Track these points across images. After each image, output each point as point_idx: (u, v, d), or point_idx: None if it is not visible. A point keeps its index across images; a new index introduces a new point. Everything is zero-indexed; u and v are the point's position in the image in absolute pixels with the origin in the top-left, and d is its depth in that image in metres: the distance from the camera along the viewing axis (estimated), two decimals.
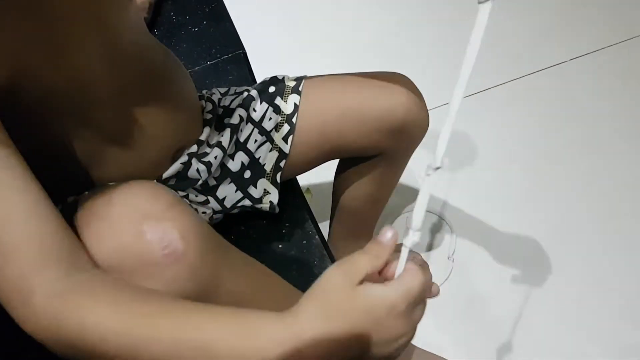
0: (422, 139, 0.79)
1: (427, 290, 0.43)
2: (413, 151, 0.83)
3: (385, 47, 1.50)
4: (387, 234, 0.42)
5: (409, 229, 0.41)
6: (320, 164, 0.78)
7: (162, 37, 0.98)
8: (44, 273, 0.40)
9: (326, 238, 0.93)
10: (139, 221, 0.44)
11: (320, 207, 1.00)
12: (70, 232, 0.44)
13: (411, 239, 0.41)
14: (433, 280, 0.45)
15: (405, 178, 0.93)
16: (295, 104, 0.71)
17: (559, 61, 1.47)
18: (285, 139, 0.71)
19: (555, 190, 1.25)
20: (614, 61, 1.46)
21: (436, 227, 1.21)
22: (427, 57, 1.47)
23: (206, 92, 0.73)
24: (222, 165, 0.69)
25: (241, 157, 0.70)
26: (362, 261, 0.41)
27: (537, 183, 1.26)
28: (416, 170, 1.24)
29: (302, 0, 1.61)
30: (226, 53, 0.96)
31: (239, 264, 0.55)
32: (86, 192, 0.52)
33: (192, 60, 0.95)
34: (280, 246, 0.75)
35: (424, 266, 0.42)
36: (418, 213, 0.40)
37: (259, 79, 0.94)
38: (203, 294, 0.47)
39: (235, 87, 0.76)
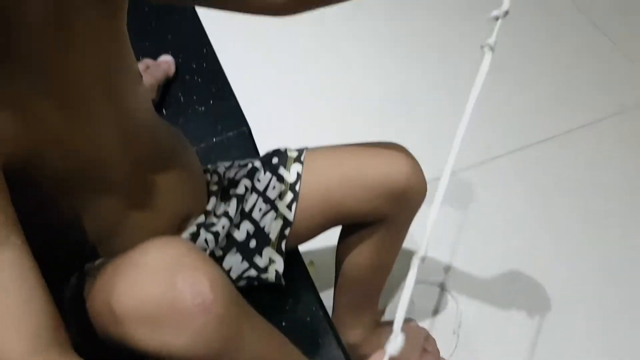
0: (421, 204, 0.81)
1: None
2: (413, 217, 0.85)
3: (383, 119, 1.55)
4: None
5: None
6: (324, 231, 0.79)
7: (170, 116, 1.02)
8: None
9: (330, 310, 0.93)
10: (173, 270, 0.45)
11: (323, 276, 1.00)
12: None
13: (393, 346, 0.40)
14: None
15: (408, 245, 0.94)
16: (297, 172, 0.74)
17: (559, 132, 1.51)
18: (289, 206, 0.73)
19: (560, 260, 1.25)
20: (614, 131, 1.50)
21: (440, 300, 1.20)
22: (424, 129, 1.51)
23: (211, 166, 0.76)
24: (228, 235, 0.70)
25: (246, 226, 0.72)
26: None
27: (541, 253, 1.27)
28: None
29: (302, 77, 1.67)
30: (231, 130, 1.00)
31: (260, 325, 0.55)
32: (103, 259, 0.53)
33: (199, 137, 0.98)
34: (283, 323, 0.75)
35: (432, 344, 0.41)
36: (399, 314, 0.40)
37: (262, 153, 0.97)
38: (226, 350, 0.48)
39: (239, 161, 0.79)
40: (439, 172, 0.45)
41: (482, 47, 0.36)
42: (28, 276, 0.42)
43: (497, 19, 0.37)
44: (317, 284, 0.83)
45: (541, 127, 1.51)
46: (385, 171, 0.73)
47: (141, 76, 0.57)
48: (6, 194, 0.42)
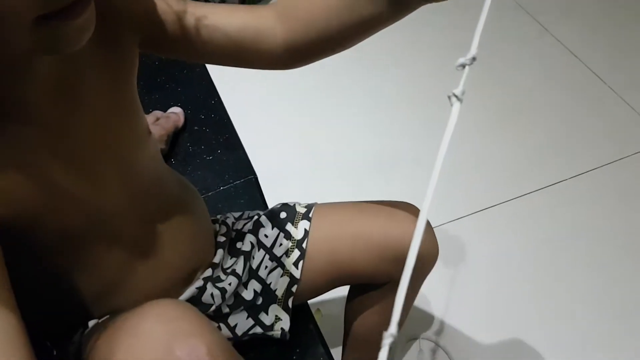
0: (432, 267, 0.79)
1: None
2: (424, 279, 0.82)
3: (391, 169, 1.56)
4: None
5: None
6: (331, 289, 0.78)
7: (178, 165, 1.04)
8: None
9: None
10: (169, 337, 0.45)
11: (330, 328, 0.99)
12: None
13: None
14: None
15: (418, 304, 0.92)
16: (305, 229, 0.73)
17: (557, 180, 1.51)
18: (295, 264, 0.73)
19: (558, 311, 1.23)
20: (611, 179, 1.50)
21: (435, 357, 1.18)
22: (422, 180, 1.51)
23: (220, 217, 0.77)
24: (236, 294, 0.70)
25: (254, 285, 0.71)
26: None
27: (539, 303, 1.24)
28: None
29: (308, 128, 1.70)
30: (238, 178, 1.01)
31: None
32: (107, 316, 0.53)
33: (206, 186, 1.00)
34: None
35: None
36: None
37: (269, 201, 0.99)
38: None
39: (248, 212, 0.79)
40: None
41: (449, 97, 0.34)
42: (12, 336, 0.40)
43: (464, 66, 0.36)
44: (323, 332, 0.82)
45: (535, 176, 1.51)
46: (394, 233, 0.71)
47: (149, 131, 0.59)
48: None
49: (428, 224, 0.75)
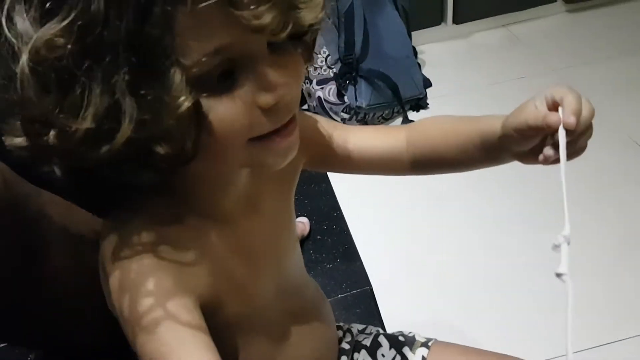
0: None
1: None
2: None
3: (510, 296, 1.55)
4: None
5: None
6: None
7: None
8: None
9: None
10: None
11: None
12: None
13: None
14: None
15: None
16: (423, 356, 0.76)
17: None
18: None
19: None
20: None
21: None
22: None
23: (344, 325, 0.82)
24: None
25: None
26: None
27: None
28: None
29: (422, 243, 1.75)
30: (355, 288, 1.08)
31: None
32: None
33: (326, 293, 1.06)
34: None
35: None
36: None
37: (383, 313, 1.03)
38: None
39: (371, 327, 0.84)
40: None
41: (557, 275, 0.36)
42: None
43: (562, 244, 0.38)
44: None
45: None
46: None
47: (297, 238, 0.69)
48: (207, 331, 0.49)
49: None
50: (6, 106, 0.41)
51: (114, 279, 0.48)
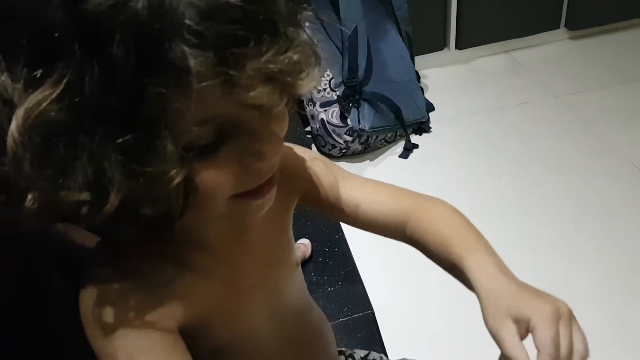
0: None
1: None
2: None
3: None
4: None
5: None
6: None
7: None
8: None
9: None
10: None
11: None
12: None
13: None
14: None
15: None
16: None
17: None
18: None
19: None
20: None
21: None
22: None
23: (346, 350, 0.81)
24: None
25: None
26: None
27: None
28: None
29: (424, 266, 1.73)
30: (356, 312, 1.06)
31: None
32: None
33: (327, 316, 1.04)
34: None
35: None
36: None
37: (384, 337, 1.02)
38: None
39: (374, 352, 0.83)
40: None
41: None
42: None
43: None
44: None
45: None
46: None
47: (298, 263, 0.67)
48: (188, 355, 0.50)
49: None
50: None
51: (94, 335, 0.48)
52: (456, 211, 0.64)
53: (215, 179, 0.43)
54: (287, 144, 0.63)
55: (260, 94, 0.39)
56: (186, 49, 0.35)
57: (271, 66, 0.38)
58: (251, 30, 0.37)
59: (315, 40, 0.44)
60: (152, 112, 0.37)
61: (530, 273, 1.56)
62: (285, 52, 0.39)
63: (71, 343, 0.63)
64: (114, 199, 0.39)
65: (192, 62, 0.35)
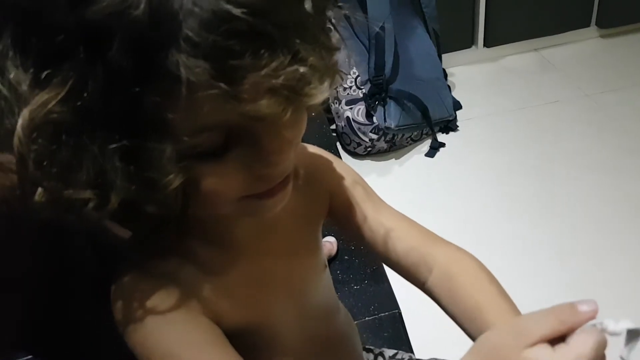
0: None
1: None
2: None
3: None
4: (585, 305, 0.40)
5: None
6: None
7: None
8: None
9: None
10: None
11: None
12: None
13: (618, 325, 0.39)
14: None
15: None
16: None
17: None
18: None
19: None
20: None
21: None
22: None
23: (375, 349, 0.81)
24: None
25: None
26: (541, 324, 0.40)
27: None
28: None
29: None
30: (383, 311, 1.06)
31: None
32: None
33: (353, 315, 1.04)
34: None
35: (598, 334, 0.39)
36: None
37: (410, 336, 1.01)
38: None
39: (402, 352, 0.82)
40: None
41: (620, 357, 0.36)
42: None
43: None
44: None
45: None
46: None
47: (326, 265, 0.67)
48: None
49: None
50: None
51: (133, 341, 0.49)
52: (484, 269, 0.60)
53: (222, 183, 0.43)
54: (330, 155, 0.64)
55: (261, 106, 0.37)
56: (181, 58, 0.35)
57: (273, 80, 0.37)
58: (249, 43, 0.36)
59: (342, 46, 0.43)
60: (149, 119, 0.37)
61: (557, 274, 1.56)
62: (292, 64, 0.37)
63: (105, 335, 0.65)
64: (114, 200, 0.39)
65: (186, 72, 0.35)
